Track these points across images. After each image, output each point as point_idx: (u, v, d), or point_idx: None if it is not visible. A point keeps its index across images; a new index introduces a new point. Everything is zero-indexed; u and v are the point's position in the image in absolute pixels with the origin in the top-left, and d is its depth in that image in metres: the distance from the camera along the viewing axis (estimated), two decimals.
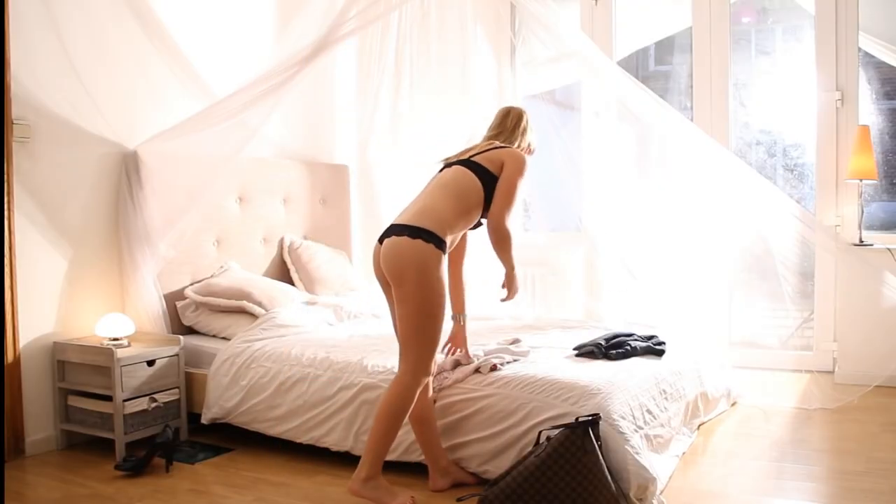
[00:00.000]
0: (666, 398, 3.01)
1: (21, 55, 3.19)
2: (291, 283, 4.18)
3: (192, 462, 3.14)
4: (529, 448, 2.58)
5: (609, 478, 2.42)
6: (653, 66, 5.39)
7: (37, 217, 3.28)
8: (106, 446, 3.23)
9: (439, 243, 2.55)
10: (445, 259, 2.59)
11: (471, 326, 3.07)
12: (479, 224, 2.81)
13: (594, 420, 2.49)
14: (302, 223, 4.47)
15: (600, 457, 2.43)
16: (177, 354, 3.38)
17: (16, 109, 3.17)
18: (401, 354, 2.60)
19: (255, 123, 3.60)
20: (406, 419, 2.74)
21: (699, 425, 3.36)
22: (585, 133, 4.63)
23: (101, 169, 3.52)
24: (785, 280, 3.76)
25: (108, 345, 3.23)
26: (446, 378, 2.86)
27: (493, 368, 2.87)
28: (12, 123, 3.14)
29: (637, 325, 3.68)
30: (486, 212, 2.72)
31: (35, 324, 3.29)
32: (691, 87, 4.71)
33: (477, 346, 3.12)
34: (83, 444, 3.36)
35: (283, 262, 4.29)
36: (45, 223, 3.31)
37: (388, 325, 2.83)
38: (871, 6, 4.29)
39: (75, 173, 3.42)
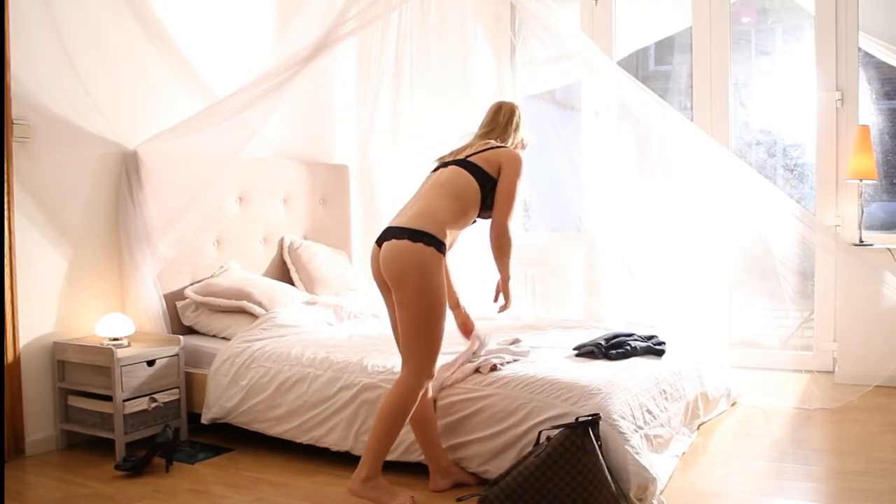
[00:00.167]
0: (666, 398, 3.01)
1: (21, 55, 3.19)
2: (291, 283, 4.18)
3: (192, 462, 3.14)
4: (529, 448, 2.58)
5: (609, 478, 2.42)
6: (653, 66, 5.39)
7: (37, 217, 3.28)
8: (106, 446, 3.23)
9: (439, 246, 2.54)
10: (444, 261, 2.59)
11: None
12: (473, 221, 2.80)
13: (594, 420, 2.49)
14: (302, 223, 4.47)
15: (600, 457, 2.43)
16: (177, 354, 3.38)
17: (16, 109, 3.17)
18: (403, 357, 2.60)
19: (255, 123, 3.60)
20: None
21: (699, 425, 3.36)
22: (585, 133, 4.63)
23: (101, 169, 3.52)
24: (785, 280, 3.76)
25: (108, 345, 3.23)
26: (447, 378, 2.86)
27: (493, 368, 2.87)
28: (12, 123, 3.14)
29: (637, 325, 3.68)
30: (482, 212, 2.71)
31: (35, 324, 3.29)
32: (691, 87, 4.71)
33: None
34: (83, 444, 3.36)
35: (283, 262, 4.29)
36: (45, 223, 3.31)
37: (388, 325, 2.83)
38: (871, 6, 4.29)
39: (75, 173, 3.42)
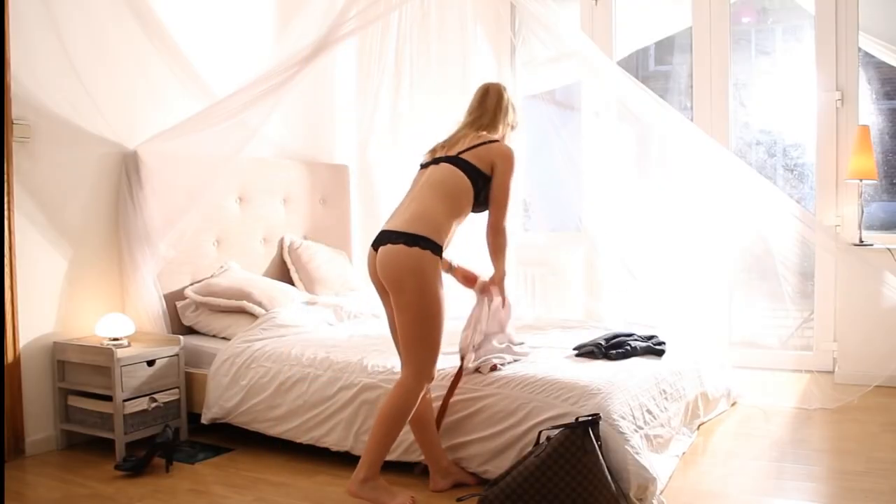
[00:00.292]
0: (666, 398, 3.01)
1: (21, 55, 3.19)
2: (291, 283, 4.18)
3: (192, 462, 3.14)
4: (529, 448, 2.58)
5: (609, 478, 2.42)
6: (653, 66, 5.39)
7: (37, 217, 3.28)
8: (106, 446, 3.23)
9: (436, 249, 2.54)
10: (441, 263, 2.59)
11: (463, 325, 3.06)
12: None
13: (594, 420, 2.49)
14: (302, 223, 4.47)
15: (600, 457, 2.43)
16: (177, 354, 3.38)
17: (16, 109, 3.17)
18: (403, 360, 2.60)
19: (255, 123, 3.60)
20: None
21: (699, 425, 3.36)
22: (585, 133, 4.63)
23: (101, 169, 3.52)
24: (785, 280, 3.76)
25: (108, 345, 3.23)
26: (468, 351, 2.84)
27: (493, 368, 2.87)
28: (12, 123, 3.14)
29: (637, 325, 3.68)
30: (475, 207, 2.69)
31: (35, 324, 3.29)
32: (691, 87, 4.71)
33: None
34: (83, 444, 3.36)
35: (283, 262, 4.28)
36: (45, 223, 3.31)
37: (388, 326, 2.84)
38: (871, 6, 4.29)
39: (75, 173, 3.42)
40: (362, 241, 4.77)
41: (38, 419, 3.29)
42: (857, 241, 4.11)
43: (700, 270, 4.20)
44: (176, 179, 3.60)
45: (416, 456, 2.83)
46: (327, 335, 3.58)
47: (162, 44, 3.76)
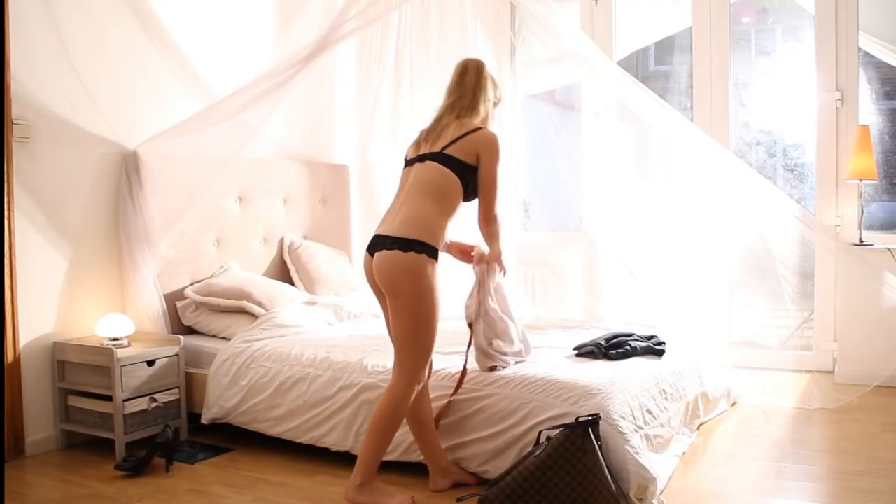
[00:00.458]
0: (666, 398, 3.01)
1: (21, 55, 3.19)
2: (291, 283, 4.18)
3: (192, 462, 3.14)
4: (529, 448, 2.58)
5: (609, 478, 2.42)
6: (653, 66, 5.39)
7: (37, 217, 3.28)
8: (106, 446, 3.23)
9: (432, 252, 2.54)
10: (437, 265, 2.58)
11: (465, 325, 3.05)
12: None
13: (594, 420, 2.49)
14: (302, 223, 4.47)
15: (600, 457, 2.43)
16: (177, 354, 3.38)
17: (16, 109, 3.17)
18: (396, 362, 2.60)
19: (255, 123, 3.60)
20: (405, 420, 2.75)
21: (699, 425, 3.36)
22: (585, 133, 4.63)
23: (101, 169, 3.52)
24: (785, 280, 3.76)
25: (108, 345, 3.23)
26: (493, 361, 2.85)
27: (493, 369, 2.88)
28: (12, 123, 3.14)
29: (637, 325, 3.68)
30: (466, 198, 2.66)
31: (35, 324, 3.29)
32: (691, 87, 4.71)
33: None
34: (83, 444, 3.36)
35: (283, 262, 4.29)
36: (45, 223, 3.31)
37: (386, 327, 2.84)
38: (871, 6, 4.29)
39: (75, 173, 3.42)
40: (362, 241, 4.76)
41: (38, 419, 3.29)
42: (857, 241, 4.11)
43: (700, 270, 4.20)
44: (176, 179, 3.60)
45: (416, 456, 2.83)
46: (327, 335, 3.58)
47: (162, 44, 3.76)
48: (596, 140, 4.51)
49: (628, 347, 3.18)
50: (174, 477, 2.98)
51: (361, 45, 4.64)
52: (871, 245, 4.07)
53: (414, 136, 2.79)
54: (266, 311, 3.63)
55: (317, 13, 3.63)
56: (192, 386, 3.46)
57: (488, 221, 2.67)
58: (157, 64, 3.75)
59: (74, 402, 3.30)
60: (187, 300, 3.73)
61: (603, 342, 3.18)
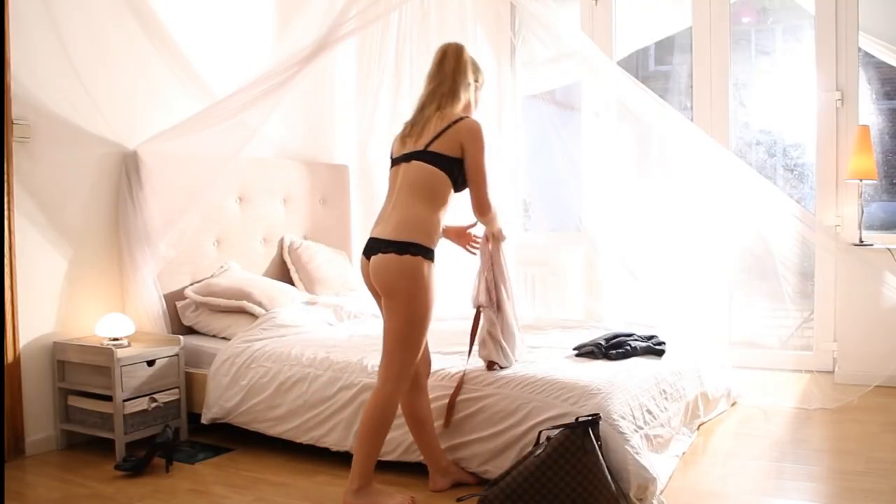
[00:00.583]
0: (666, 398, 3.01)
1: (21, 55, 3.19)
2: (291, 283, 4.18)
3: (192, 462, 3.14)
4: (529, 448, 2.58)
5: (609, 478, 2.42)
6: (653, 66, 5.39)
7: (37, 217, 3.28)
8: (106, 446, 3.23)
9: (427, 252, 2.53)
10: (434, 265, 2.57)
11: (465, 325, 3.06)
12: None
13: (594, 420, 2.49)
14: (302, 223, 4.47)
15: (600, 457, 2.43)
16: (177, 354, 3.38)
17: (16, 109, 3.17)
18: (384, 362, 2.59)
19: (255, 123, 3.60)
20: (404, 420, 2.75)
21: (699, 425, 3.36)
22: (585, 133, 4.63)
23: (101, 169, 3.52)
24: (785, 280, 3.76)
25: (108, 345, 3.23)
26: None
27: (490, 367, 2.88)
28: (12, 123, 3.14)
29: (637, 325, 3.68)
30: (457, 189, 2.63)
31: (35, 324, 3.29)
32: (691, 87, 4.71)
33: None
34: (83, 444, 3.36)
35: (283, 262, 4.28)
36: (45, 223, 3.31)
37: None
38: (871, 6, 4.29)
39: (75, 173, 3.42)
40: (362, 240, 4.71)
41: (38, 419, 3.29)
42: (857, 241, 4.11)
43: (700, 270, 4.20)
44: (176, 179, 3.60)
45: (416, 456, 2.82)
46: (327, 335, 3.58)
47: (162, 44, 3.76)
48: (596, 140, 4.52)
49: (628, 347, 3.18)
50: (174, 477, 2.98)
51: (361, 45, 4.64)
52: (871, 245, 4.07)
53: (399, 128, 2.75)
54: (266, 311, 3.63)
55: (317, 13, 3.63)
56: (192, 386, 3.46)
57: (482, 210, 2.66)
58: (157, 64, 3.75)
59: (74, 402, 3.30)
60: (187, 300, 3.73)
61: (603, 342, 3.18)
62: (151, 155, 3.56)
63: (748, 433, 3.37)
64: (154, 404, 3.27)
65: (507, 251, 3.01)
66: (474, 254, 2.92)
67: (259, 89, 3.48)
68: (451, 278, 3.74)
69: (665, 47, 5.23)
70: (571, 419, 2.51)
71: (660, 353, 3.25)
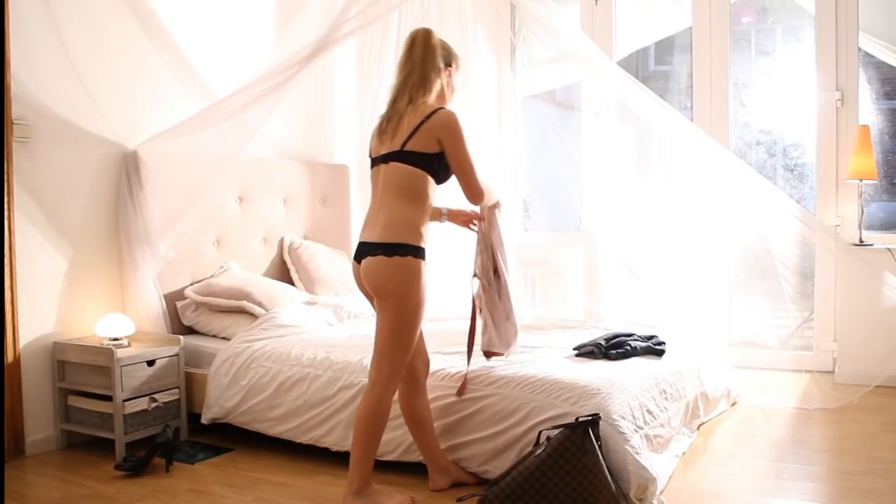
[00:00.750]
0: (666, 398, 3.01)
1: (21, 55, 3.19)
2: (291, 283, 4.18)
3: (192, 462, 3.14)
4: (529, 448, 2.58)
5: (609, 478, 2.42)
6: (653, 66, 5.40)
7: (37, 217, 3.28)
8: (106, 446, 3.23)
9: (418, 251, 2.53)
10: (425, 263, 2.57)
11: (465, 325, 3.06)
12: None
13: (594, 420, 2.49)
14: (302, 223, 4.47)
15: (600, 457, 2.43)
16: (177, 354, 3.38)
17: (16, 109, 3.17)
18: (375, 361, 2.58)
19: (255, 123, 3.60)
20: (403, 420, 2.75)
21: (699, 425, 3.36)
22: (585, 133, 4.63)
23: (101, 169, 3.52)
24: (785, 280, 3.76)
25: (108, 345, 3.23)
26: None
27: (489, 354, 2.89)
28: (12, 123, 3.14)
29: (637, 325, 3.68)
30: (439, 181, 2.61)
31: (35, 324, 3.29)
32: (691, 87, 4.72)
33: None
34: (83, 444, 3.36)
35: (283, 262, 4.29)
36: (45, 223, 3.31)
37: None
38: (871, 6, 4.29)
39: (75, 173, 3.42)
40: None
41: (38, 419, 3.29)
42: (857, 241, 4.11)
43: (700, 270, 4.20)
44: (176, 179, 3.60)
45: (416, 456, 2.82)
46: (327, 335, 3.58)
47: (162, 44, 3.76)
48: (596, 140, 4.51)
49: (628, 347, 3.18)
50: (174, 477, 2.98)
51: (361, 45, 4.64)
52: (871, 245, 4.07)
53: (375, 122, 2.72)
54: (266, 311, 3.63)
55: (317, 13, 3.63)
56: (192, 386, 3.46)
57: (476, 197, 2.63)
58: (157, 64, 3.75)
59: (74, 402, 3.30)
60: (187, 300, 3.73)
61: (603, 342, 3.18)
62: (151, 155, 3.56)
63: (748, 433, 3.37)
64: (154, 404, 3.27)
65: (507, 251, 3.01)
66: (474, 230, 2.94)
67: (259, 89, 3.48)
68: (451, 278, 3.75)
69: (665, 47, 5.23)
70: (571, 419, 2.51)
71: (660, 353, 3.25)
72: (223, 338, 3.61)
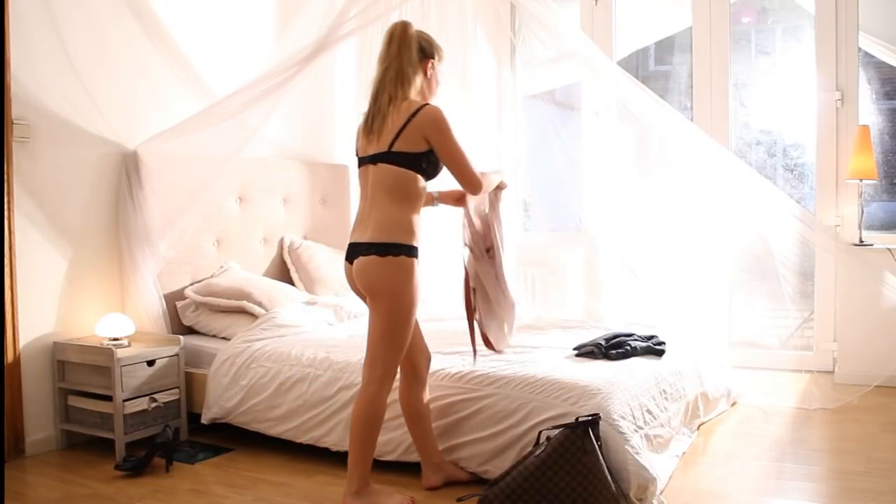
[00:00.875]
0: (666, 398, 3.01)
1: (21, 55, 3.19)
2: (291, 283, 4.18)
3: (192, 462, 3.14)
4: (529, 448, 2.58)
5: (609, 478, 2.42)
6: (653, 66, 5.40)
7: (37, 217, 3.28)
8: (106, 446, 3.23)
9: (409, 250, 2.52)
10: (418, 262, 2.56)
11: (465, 325, 3.05)
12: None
13: (594, 420, 2.49)
14: (302, 223, 4.47)
15: (600, 457, 2.43)
16: (177, 354, 3.38)
17: (16, 109, 3.17)
18: (368, 362, 2.57)
19: (255, 123, 3.60)
20: (402, 414, 2.75)
21: (699, 425, 3.36)
22: (585, 133, 4.63)
23: (101, 169, 3.52)
24: (785, 280, 3.76)
25: (108, 345, 3.23)
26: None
27: (487, 342, 2.92)
28: (12, 123, 3.14)
29: (637, 325, 3.68)
30: (429, 178, 2.59)
31: (35, 324, 3.28)
32: (691, 87, 4.72)
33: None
34: (83, 444, 3.36)
35: (283, 262, 4.29)
36: (45, 223, 3.31)
37: None
38: (871, 6, 4.29)
39: (75, 173, 3.42)
40: None
41: (38, 419, 3.29)
42: (857, 241, 4.11)
43: (700, 270, 4.20)
44: (176, 179, 3.60)
45: (416, 456, 2.82)
46: (327, 335, 3.58)
47: (162, 44, 3.76)
48: (596, 140, 4.52)
49: (628, 347, 3.18)
50: (174, 477, 2.98)
51: (361, 45, 4.64)
52: (871, 245, 4.07)
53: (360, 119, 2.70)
54: (266, 311, 3.63)
55: (317, 13, 3.63)
56: (192, 386, 3.46)
57: (473, 188, 2.61)
58: (157, 64, 3.75)
59: (74, 402, 3.30)
60: (187, 300, 3.73)
61: (603, 342, 3.18)
62: (151, 155, 3.56)
63: (748, 433, 3.37)
64: (154, 404, 3.27)
65: (507, 252, 3.01)
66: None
67: (259, 89, 3.48)
68: (450, 278, 3.75)
69: (665, 47, 5.23)
70: (571, 419, 2.51)
71: (660, 353, 3.25)
72: (223, 338, 3.61)
